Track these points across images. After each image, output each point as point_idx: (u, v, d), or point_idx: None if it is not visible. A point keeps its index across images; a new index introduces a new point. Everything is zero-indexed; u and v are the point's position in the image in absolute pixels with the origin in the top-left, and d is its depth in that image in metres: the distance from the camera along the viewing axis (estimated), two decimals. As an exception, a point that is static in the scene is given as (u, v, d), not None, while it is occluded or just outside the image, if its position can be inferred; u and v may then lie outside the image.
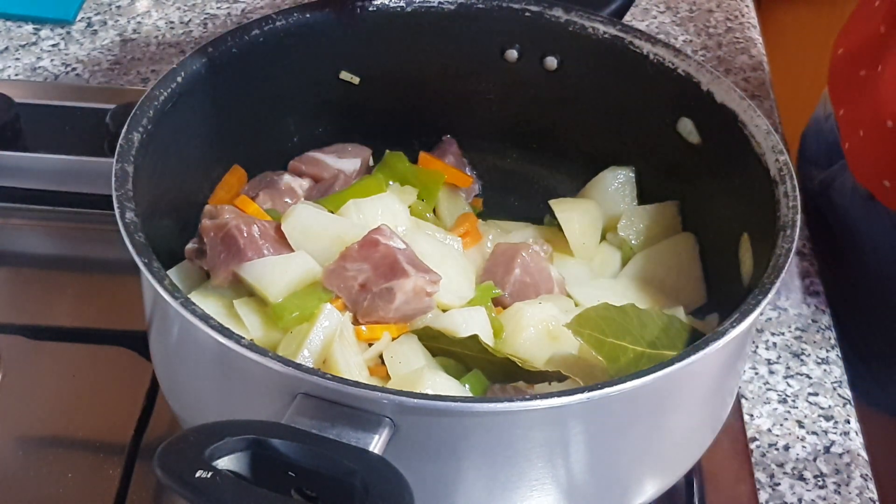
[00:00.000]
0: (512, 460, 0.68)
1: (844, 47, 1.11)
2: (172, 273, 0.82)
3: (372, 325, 0.80)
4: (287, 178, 0.93)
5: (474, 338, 0.77)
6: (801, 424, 0.94)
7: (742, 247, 0.83)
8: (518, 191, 0.98)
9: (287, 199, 0.91)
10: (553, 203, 0.93)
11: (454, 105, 0.97)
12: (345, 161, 0.95)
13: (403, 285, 0.78)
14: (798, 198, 0.77)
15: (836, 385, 0.97)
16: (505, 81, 0.95)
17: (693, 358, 0.68)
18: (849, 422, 0.95)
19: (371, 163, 0.96)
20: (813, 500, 0.89)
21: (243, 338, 0.66)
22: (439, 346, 0.80)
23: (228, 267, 0.80)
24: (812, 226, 1.14)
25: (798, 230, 0.75)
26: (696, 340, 0.70)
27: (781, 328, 1.02)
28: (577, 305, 0.88)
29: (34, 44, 1.26)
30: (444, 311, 0.82)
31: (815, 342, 1.01)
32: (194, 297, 0.78)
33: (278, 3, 1.33)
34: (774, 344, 1.00)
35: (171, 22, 1.30)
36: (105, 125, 1.05)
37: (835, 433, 0.94)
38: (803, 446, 0.92)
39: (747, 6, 1.38)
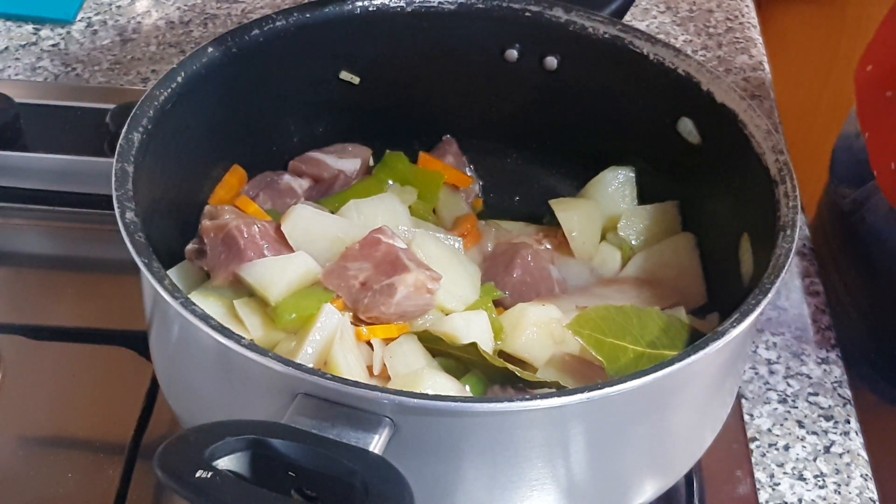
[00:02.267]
0: (512, 460, 0.68)
1: (873, 64, 1.07)
2: (172, 273, 0.82)
3: (372, 324, 0.80)
4: (287, 178, 0.93)
5: (473, 345, 0.77)
6: (801, 424, 0.94)
7: (742, 247, 0.83)
8: (518, 191, 0.98)
9: (287, 200, 0.91)
10: (553, 203, 0.93)
11: (454, 105, 0.97)
12: (345, 161, 0.95)
13: (405, 279, 0.78)
14: (798, 198, 0.77)
15: (836, 385, 0.97)
16: (505, 81, 0.95)
17: (693, 358, 0.68)
18: (849, 422, 0.95)
19: (371, 163, 0.96)
20: (813, 500, 0.89)
21: (243, 338, 0.66)
22: (439, 348, 0.80)
23: (229, 267, 0.80)
24: (846, 244, 1.12)
25: (798, 230, 0.75)
26: (696, 340, 0.70)
27: (781, 328, 1.02)
28: (577, 306, 0.88)
29: (34, 44, 1.26)
30: (446, 314, 0.82)
31: (815, 342, 1.01)
32: (194, 298, 0.77)
33: (278, 3, 1.33)
34: (774, 344, 1.00)
35: (171, 22, 1.30)
36: (105, 125, 1.05)
37: (835, 433, 0.94)
38: (803, 446, 0.93)
39: (747, 6, 1.38)
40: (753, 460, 0.91)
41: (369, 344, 0.80)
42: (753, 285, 0.73)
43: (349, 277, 0.80)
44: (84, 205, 1.05)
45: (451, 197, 0.95)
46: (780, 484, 0.90)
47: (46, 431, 0.89)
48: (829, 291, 1.07)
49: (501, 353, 0.81)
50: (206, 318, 0.67)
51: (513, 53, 0.93)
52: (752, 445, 0.92)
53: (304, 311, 0.78)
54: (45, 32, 1.27)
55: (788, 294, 1.05)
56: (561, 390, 0.70)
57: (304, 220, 0.83)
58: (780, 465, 0.91)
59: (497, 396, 0.76)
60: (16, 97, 1.08)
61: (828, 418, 0.95)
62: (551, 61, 0.92)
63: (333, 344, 0.75)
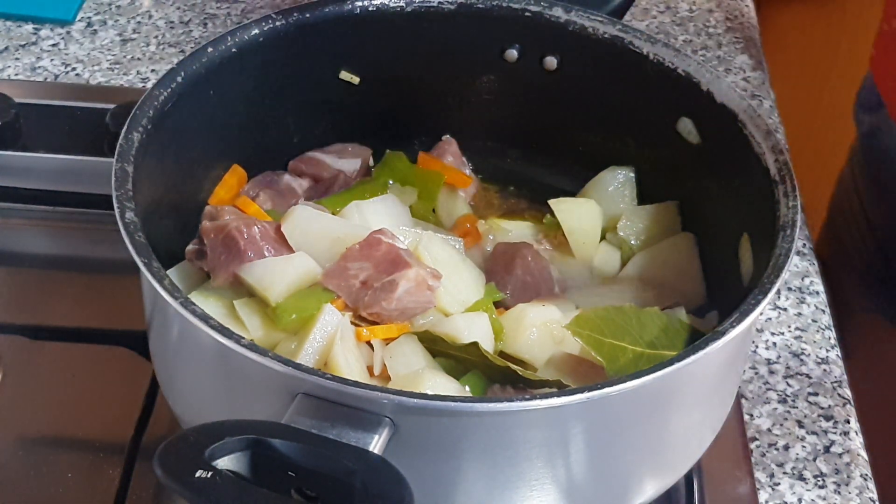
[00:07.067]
0: (512, 460, 0.68)
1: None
2: (172, 273, 0.82)
3: (372, 324, 0.80)
4: (287, 178, 0.93)
5: (474, 345, 0.77)
6: (801, 424, 0.94)
7: (742, 247, 0.83)
8: (518, 191, 0.98)
9: (287, 199, 0.91)
10: (553, 203, 0.93)
11: (454, 105, 0.97)
12: (345, 161, 0.95)
13: (406, 274, 0.79)
14: (798, 198, 0.77)
15: (836, 385, 0.97)
16: (505, 81, 0.95)
17: (693, 358, 0.68)
18: (849, 422, 0.95)
19: (371, 163, 0.97)
20: (813, 500, 0.89)
21: (243, 338, 0.66)
22: (439, 348, 0.80)
23: (229, 268, 0.80)
24: (864, 165, 1.23)
25: (798, 230, 0.75)
26: (695, 340, 0.70)
27: (781, 328, 1.02)
28: (577, 306, 0.88)
29: (34, 44, 1.26)
30: (447, 316, 0.82)
31: (815, 342, 1.01)
32: (194, 298, 0.78)
33: (278, 3, 1.33)
34: (774, 344, 1.00)
35: (171, 22, 1.30)
36: (105, 125, 1.05)
37: (835, 433, 0.94)
38: (803, 446, 0.93)
39: (747, 6, 1.38)
40: (753, 460, 0.91)
41: (369, 344, 0.80)
42: (753, 285, 0.73)
43: (350, 277, 0.80)
44: (84, 205, 1.05)
45: (451, 197, 0.95)
46: (780, 484, 0.90)
47: (46, 431, 0.89)
48: (846, 215, 1.22)
49: (502, 354, 0.81)
50: (206, 318, 0.67)
51: (513, 53, 0.93)
52: (752, 445, 0.92)
53: (304, 312, 0.78)
54: (45, 32, 1.27)
55: (788, 294, 1.05)
56: (561, 390, 0.70)
57: (304, 221, 0.83)
58: (780, 465, 0.91)
59: (497, 396, 0.76)
60: (16, 97, 1.08)
61: (828, 418, 0.95)
62: (551, 61, 0.92)
63: (334, 344, 0.75)
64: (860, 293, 1.28)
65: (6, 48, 1.25)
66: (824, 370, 0.98)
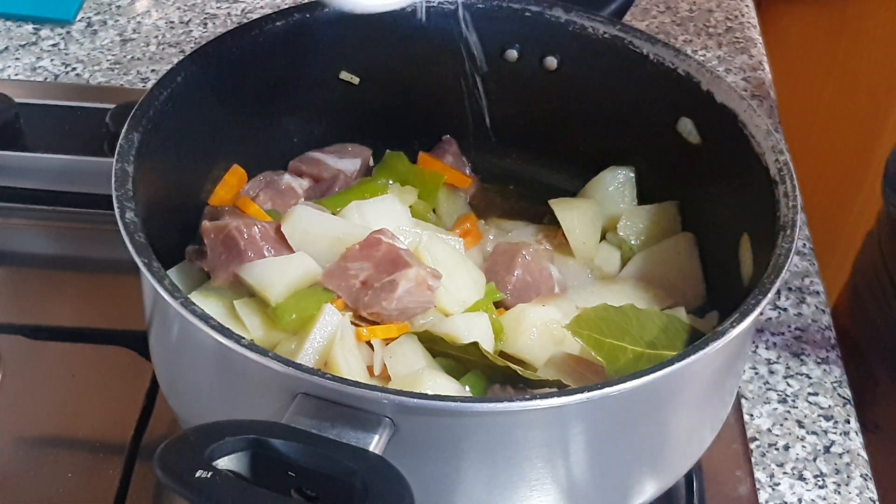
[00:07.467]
0: (512, 460, 0.68)
1: None
2: (172, 273, 0.82)
3: (372, 324, 0.80)
4: (287, 178, 0.93)
5: (475, 345, 0.77)
6: (801, 424, 0.94)
7: (742, 247, 0.83)
8: (518, 191, 0.98)
9: (287, 199, 0.91)
10: (553, 203, 0.93)
11: (454, 105, 0.97)
12: (345, 161, 0.95)
13: (406, 274, 0.79)
14: (798, 197, 0.77)
15: (836, 385, 0.97)
16: (505, 81, 0.95)
17: (693, 358, 0.68)
18: (849, 422, 0.95)
19: (371, 163, 0.97)
20: (813, 500, 0.89)
21: (243, 338, 0.66)
22: (439, 348, 0.80)
23: (229, 268, 0.80)
24: (892, 242, 1.16)
25: (798, 230, 0.75)
26: (695, 340, 0.70)
27: (781, 328, 1.02)
28: (577, 306, 0.88)
29: (34, 44, 1.26)
30: (447, 317, 0.82)
31: (815, 342, 1.01)
32: (194, 298, 0.78)
33: (278, 3, 1.33)
34: (774, 344, 1.00)
35: (171, 22, 1.30)
36: (105, 125, 1.05)
37: (835, 433, 0.94)
38: (803, 446, 0.93)
39: (747, 6, 1.38)
40: (753, 460, 0.91)
41: (369, 344, 0.80)
42: (753, 285, 0.73)
43: (350, 277, 0.80)
44: (84, 205, 1.05)
45: (451, 197, 0.95)
46: (780, 484, 0.90)
47: (46, 431, 0.89)
48: (874, 288, 1.14)
49: (502, 354, 0.81)
50: (206, 318, 0.67)
51: (513, 53, 0.93)
52: (752, 445, 0.92)
53: (304, 312, 0.78)
54: (45, 32, 1.27)
55: (788, 294, 1.05)
56: (561, 390, 0.70)
57: (304, 221, 0.83)
58: (780, 465, 0.91)
59: (497, 396, 0.77)
60: (16, 97, 1.08)
61: (828, 418, 0.95)
62: (551, 61, 0.92)
63: (334, 344, 0.75)
64: (888, 366, 1.20)
65: (6, 48, 1.25)
66: (824, 370, 0.98)
